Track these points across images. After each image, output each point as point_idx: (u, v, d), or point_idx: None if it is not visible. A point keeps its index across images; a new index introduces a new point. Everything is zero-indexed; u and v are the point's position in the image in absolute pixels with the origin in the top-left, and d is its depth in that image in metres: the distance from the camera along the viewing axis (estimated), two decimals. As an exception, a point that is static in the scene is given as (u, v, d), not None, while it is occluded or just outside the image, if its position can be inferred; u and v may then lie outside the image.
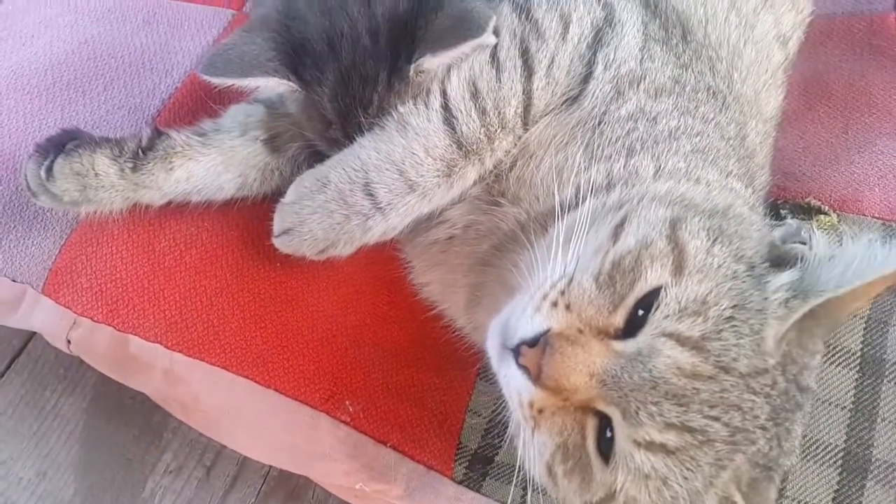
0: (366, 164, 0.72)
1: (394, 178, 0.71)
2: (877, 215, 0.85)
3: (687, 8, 0.83)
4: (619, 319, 0.57)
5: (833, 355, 0.77)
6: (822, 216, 0.86)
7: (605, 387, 0.55)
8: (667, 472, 0.54)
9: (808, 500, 0.71)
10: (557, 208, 0.64)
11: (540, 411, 0.57)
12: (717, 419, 0.54)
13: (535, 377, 0.56)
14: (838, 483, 0.71)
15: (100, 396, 0.92)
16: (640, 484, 0.55)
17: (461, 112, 0.72)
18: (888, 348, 0.76)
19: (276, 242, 0.77)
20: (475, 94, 0.72)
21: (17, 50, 0.99)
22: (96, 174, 0.75)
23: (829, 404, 0.74)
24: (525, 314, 0.59)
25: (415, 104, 0.73)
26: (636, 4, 0.80)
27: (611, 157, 0.69)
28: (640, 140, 0.70)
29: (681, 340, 0.55)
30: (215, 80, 0.72)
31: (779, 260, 0.61)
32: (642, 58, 0.75)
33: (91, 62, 0.96)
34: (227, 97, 0.84)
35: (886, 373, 0.75)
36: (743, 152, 0.78)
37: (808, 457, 0.72)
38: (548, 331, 0.56)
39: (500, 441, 0.77)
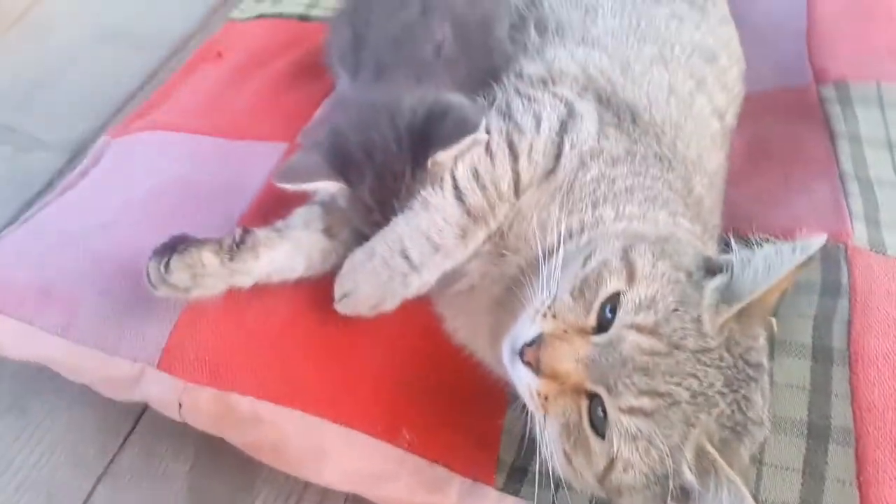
0: (401, 235, 0.90)
1: (423, 242, 0.89)
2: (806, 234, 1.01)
3: (634, 98, 1.02)
4: (592, 319, 0.73)
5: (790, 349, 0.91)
6: (767, 244, 1.02)
7: (589, 369, 0.71)
8: (649, 431, 0.68)
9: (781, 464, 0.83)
10: (540, 254, 0.81)
11: (546, 398, 0.73)
12: (678, 385, 0.68)
13: (537, 369, 0.72)
14: (806, 448, 0.84)
15: (200, 459, 1.05)
16: (631, 445, 0.68)
17: (468, 189, 0.90)
18: (834, 339, 0.90)
19: (338, 306, 0.92)
20: (477, 176, 0.91)
21: (123, 191, 1.18)
22: (203, 265, 0.90)
23: (791, 388, 0.88)
24: (524, 326, 0.76)
25: (433, 188, 0.91)
26: (591, 101, 0.99)
27: (581, 210, 0.87)
28: (602, 196, 0.87)
29: (639, 328, 0.70)
30: (286, 187, 0.91)
31: (712, 269, 0.77)
32: (599, 138, 0.93)
33: (183, 191, 1.14)
34: (290, 203, 1.01)
35: (834, 359, 0.89)
36: (691, 200, 0.95)
37: (779, 430, 0.85)
38: (541, 334, 0.73)
39: (531, 453, 0.84)
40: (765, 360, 0.75)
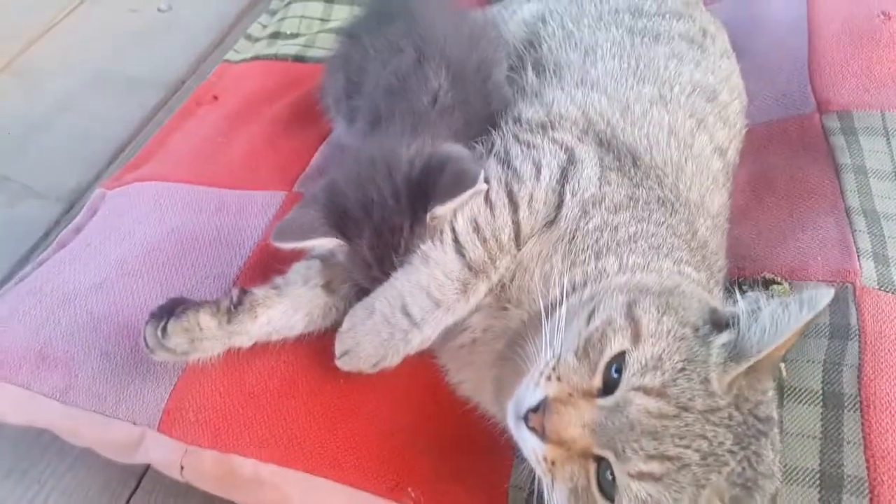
0: (401, 291, 0.89)
1: (423, 298, 0.87)
2: (821, 279, 0.99)
3: (634, 140, 1.01)
4: (597, 381, 0.72)
5: (799, 395, 0.89)
6: (775, 286, 1.00)
7: (596, 434, 0.69)
8: (658, 495, 0.67)
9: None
10: (542, 312, 0.79)
11: (553, 463, 0.71)
12: (687, 447, 0.67)
13: (542, 435, 0.71)
14: (819, 499, 0.81)
15: None
16: None
17: (468, 243, 0.89)
18: (844, 384, 0.88)
19: (339, 363, 0.91)
20: (477, 228, 0.90)
21: (119, 245, 1.17)
22: (201, 328, 0.89)
23: (802, 436, 0.86)
24: (528, 390, 0.75)
25: (432, 242, 0.90)
26: (592, 144, 0.98)
27: (584, 261, 0.85)
28: (605, 245, 0.86)
29: (646, 391, 0.69)
30: (284, 246, 0.91)
31: (718, 322, 0.76)
32: (601, 184, 0.92)
33: (178, 245, 1.13)
34: (289, 257, 1.00)
35: (845, 405, 0.86)
36: (695, 244, 0.94)
37: (791, 481, 0.82)
38: (545, 398, 0.72)
39: None
40: (774, 413, 0.74)
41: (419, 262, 0.90)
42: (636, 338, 0.72)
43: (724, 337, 0.73)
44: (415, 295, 0.88)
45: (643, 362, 0.70)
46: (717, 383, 0.70)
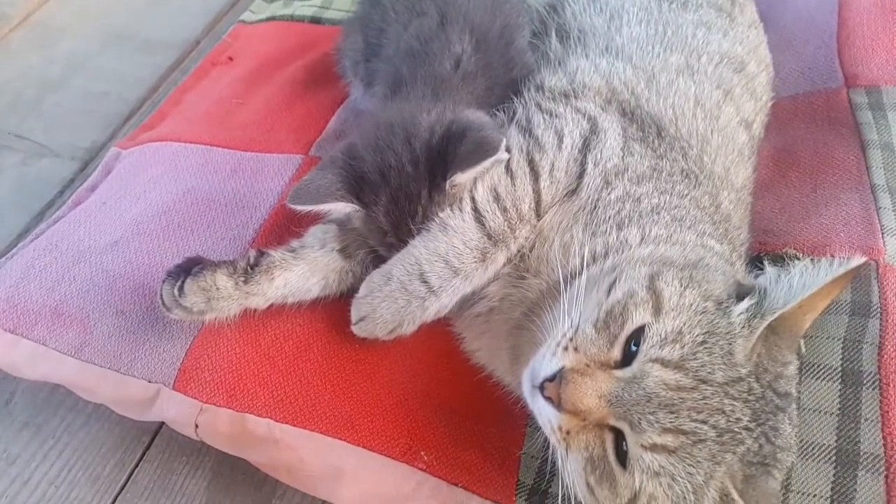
0: (419, 258, 0.88)
1: (441, 266, 0.87)
2: (844, 255, 0.96)
3: (659, 111, 0.99)
4: (616, 353, 0.71)
5: (818, 371, 0.88)
6: (797, 261, 0.93)
7: (612, 405, 0.68)
8: (672, 468, 0.66)
9: (809, 490, 0.80)
10: (561, 280, 0.78)
11: (568, 433, 0.71)
12: (704, 422, 0.66)
13: (558, 404, 0.70)
14: (834, 475, 0.80)
15: (217, 476, 1.04)
16: (654, 481, 0.67)
17: (488, 212, 0.88)
18: (863, 362, 0.87)
19: (355, 329, 0.91)
20: (497, 198, 0.89)
21: (134, 204, 1.17)
22: (217, 288, 0.90)
23: (819, 412, 0.85)
24: (545, 359, 0.74)
25: (451, 210, 0.89)
26: (615, 114, 0.96)
27: (606, 231, 0.84)
28: (627, 216, 0.85)
29: (664, 363, 0.68)
30: (300, 208, 0.89)
31: (743, 295, 0.74)
32: (623, 154, 0.91)
33: (194, 207, 1.13)
34: (305, 220, 1.00)
35: (864, 382, 0.85)
36: (718, 217, 0.92)
37: (807, 456, 0.81)
38: (562, 368, 0.71)
39: (552, 476, 0.86)
40: (793, 389, 0.73)
41: (438, 230, 0.89)
42: (657, 310, 0.71)
43: (745, 303, 0.72)
44: (433, 263, 0.87)
45: (663, 335, 0.70)
46: (740, 352, 0.69)
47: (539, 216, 0.90)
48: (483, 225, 0.88)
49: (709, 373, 0.68)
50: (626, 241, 0.84)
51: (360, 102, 1.29)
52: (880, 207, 1.01)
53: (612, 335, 0.72)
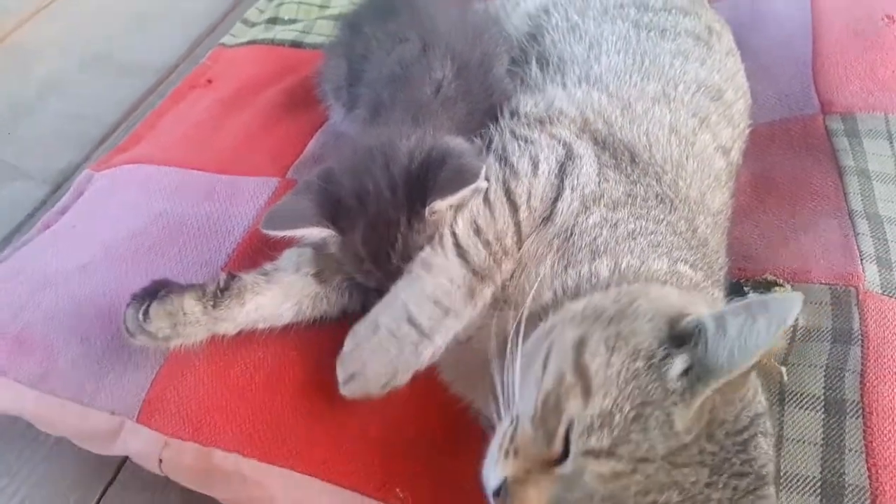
0: (406, 302, 0.84)
1: (431, 307, 0.84)
2: (823, 281, 0.97)
3: (632, 138, 0.98)
4: (557, 448, 0.66)
5: (801, 401, 0.86)
6: (777, 287, 0.98)
7: None
8: None
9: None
10: (512, 329, 0.75)
11: None
12: (655, 502, 0.61)
13: None
14: None
15: None
16: None
17: (470, 246, 0.86)
18: (846, 390, 0.85)
19: (344, 391, 0.85)
20: (478, 231, 0.87)
21: (105, 228, 1.14)
22: (184, 313, 0.86)
23: (803, 442, 0.82)
24: (490, 468, 0.70)
25: (432, 248, 0.87)
26: (589, 142, 0.96)
27: (580, 261, 0.82)
28: (604, 243, 0.83)
29: (595, 454, 0.63)
30: (273, 233, 0.87)
31: (679, 336, 0.68)
32: (599, 181, 0.90)
33: (165, 230, 1.10)
34: (280, 245, 0.97)
35: (847, 411, 0.83)
36: (695, 242, 0.91)
37: (791, 489, 0.79)
38: (505, 479, 0.67)
39: None
40: (760, 408, 0.69)
41: (421, 269, 0.86)
42: (586, 392, 0.66)
43: (679, 365, 0.66)
44: (421, 304, 0.84)
45: (590, 422, 0.64)
46: (680, 421, 0.63)
47: (520, 247, 0.88)
48: (467, 260, 0.86)
49: (647, 450, 0.62)
50: (598, 273, 0.81)
51: (340, 126, 1.28)
52: (858, 233, 1.01)
53: (550, 431, 0.67)
